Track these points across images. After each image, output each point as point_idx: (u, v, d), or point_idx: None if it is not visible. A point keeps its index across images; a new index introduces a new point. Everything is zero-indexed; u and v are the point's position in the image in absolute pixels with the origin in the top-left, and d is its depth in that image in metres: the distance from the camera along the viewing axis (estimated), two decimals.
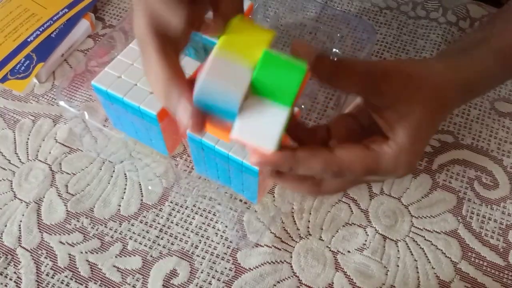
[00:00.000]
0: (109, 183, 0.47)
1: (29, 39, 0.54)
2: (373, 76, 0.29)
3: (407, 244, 0.44)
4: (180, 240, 0.44)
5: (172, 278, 0.42)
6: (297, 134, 0.32)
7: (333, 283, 0.42)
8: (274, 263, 0.43)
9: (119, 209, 0.46)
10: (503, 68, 0.36)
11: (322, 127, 0.33)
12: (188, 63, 0.42)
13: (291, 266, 0.43)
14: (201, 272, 0.43)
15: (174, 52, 0.28)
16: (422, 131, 0.30)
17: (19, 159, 0.49)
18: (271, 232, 0.44)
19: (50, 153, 0.49)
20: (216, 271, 0.43)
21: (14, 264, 0.43)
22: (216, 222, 0.45)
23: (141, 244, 0.44)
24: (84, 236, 0.44)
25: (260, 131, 0.27)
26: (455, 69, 0.32)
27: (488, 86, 0.38)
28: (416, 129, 0.29)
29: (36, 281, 0.42)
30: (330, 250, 0.44)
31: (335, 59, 0.28)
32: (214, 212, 0.46)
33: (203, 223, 0.45)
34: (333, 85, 0.29)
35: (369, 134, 0.31)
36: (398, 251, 0.44)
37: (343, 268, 0.43)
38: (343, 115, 0.34)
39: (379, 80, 0.29)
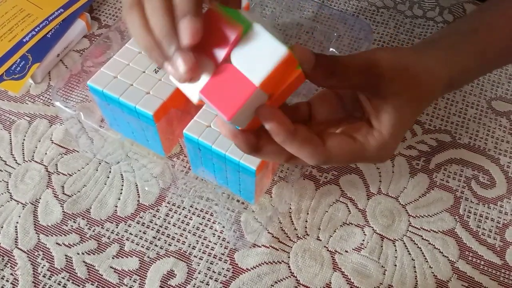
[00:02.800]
0: (105, 184, 0.47)
1: (24, 40, 0.54)
2: (369, 74, 0.29)
3: (404, 243, 0.44)
4: (177, 241, 0.44)
5: (169, 279, 0.42)
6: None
7: (330, 283, 0.42)
8: (271, 263, 0.43)
9: (115, 210, 0.46)
10: (483, 66, 0.38)
11: (304, 104, 0.33)
12: None
13: (289, 266, 0.43)
14: (199, 273, 0.43)
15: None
16: (405, 123, 0.31)
17: (15, 160, 0.48)
18: (268, 232, 0.44)
19: (46, 154, 0.49)
20: (213, 271, 0.43)
21: (10, 266, 0.43)
22: (213, 222, 0.45)
23: (138, 245, 0.44)
24: (80, 237, 0.44)
25: (253, 62, 0.26)
26: (443, 65, 0.33)
27: (467, 82, 0.41)
28: (401, 121, 0.31)
29: (33, 282, 0.42)
30: (327, 250, 0.44)
31: (331, 58, 0.28)
32: (211, 213, 0.45)
33: (200, 224, 0.45)
34: (329, 85, 0.30)
35: (350, 115, 0.32)
36: (396, 250, 0.44)
37: (340, 268, 0.43)
38: (328, 91, 0.34)
39: (374, 78, 0.29)
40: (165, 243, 0.44)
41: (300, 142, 0.28)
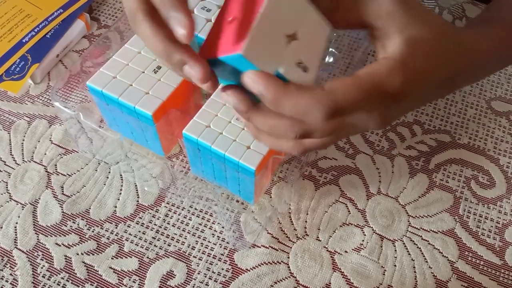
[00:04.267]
0: (104, 184, 0.47)
1: (24, 40, 0.54)
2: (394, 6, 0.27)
3: (404, 243, 0.44)
4: (176, 241, 0.44)
5: (169, 280, 0.42)
6: None
7: (330, 283, 0.42)
8: (271, 263, 0.43)
9: (115, 210, 0.46)
10: (498, 56, 0.35)
11: None
12: None
13: (288, 267, 0.43)
14: (198, 273, 0.43)
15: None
16: (420, 53, 0.28)
17: (14, 160, 0.48)
18: (268, 233, 0.44)
19: (45, 154, 0.49)
20: (213, 272, 0.43)
21: (10, 266, 0.43)
22: (212, 223, 0.45)
23: (137, 245, 0.44)
24: (80, 238, 0.44)
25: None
26: (479, 35, 0.32)
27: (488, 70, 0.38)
28: (415, 49, 0.27)
29: (32, 283, 0.42)
30: (327, 250, 0.44)
31: None
32: (211, 213, 0.45)
33: (200, 224, 0.45)
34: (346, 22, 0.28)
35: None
36: (395, 250, 0.44)
37: (340, 268, 0.43)
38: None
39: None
40: (165, 243, 0.44)
41: (294, 96, 0.25)
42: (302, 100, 0.25)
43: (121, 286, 0.42)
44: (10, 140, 0.50)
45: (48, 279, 0.42)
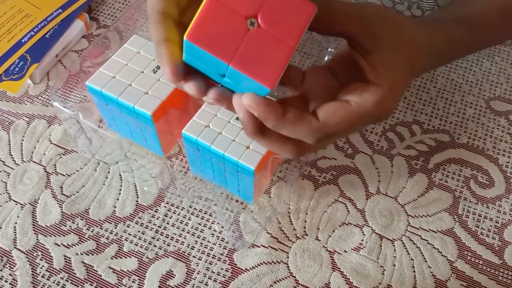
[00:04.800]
0: (104, 184, 0.47)
1: (23, 40, 0.54)
2: (368, 19, 0.29)
3: (403, 243, 0.44)
4: (176, 241, 0.44)
5: (168, 279, 0.42)
6: None
7: (329, 283, 0.42)
8: (270, 263, 0.43)
9: (114, 210, 0.46)
10: (471, 38, 0.38)
11: (297, 69, 0.32)
12: None
13: (288, 266, 0.43)
14: (198, 273, 0.43)
15: (172, 19, 0.29)
16: (403, 77, 0.30)
17: (13, 160, 0.48)
18: (267, 233, 0.44)
19: (44, 154, 0.49)
20: (212, 272, 0.43)
21: (9, 266, 0.43)
22: (212, 222, 0.45)
23: (136, 245, 0.44)
24: (79, 238, 0.44)
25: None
26: (434, 36, 0.33)
27: (457, 54, 0.40)
28: (399, 75, 0.30)
29: (32, 283, 0.42)
30: (326, 250, 0.44)
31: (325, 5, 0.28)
32: (210, 213, 0.45)
33: (199, 224, 0.45)
34: (326, 29, 0.29)
35: (344, 85, 0.31)
36: (395, 250, 0.44)
37: (339, 268, 0.43)
38: (318, 66, 0.33)
39: (373, 23, 0.29)
40: (164, 243, 0.44)
41: (292, 122, 0.28)
42: (298, 130, 0.28)
43: (121, 286, 0.42)
44: (9, 140, 0.50)
45: (48, 279, 0.42)
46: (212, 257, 0.43)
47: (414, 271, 0.43)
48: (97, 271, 0.43)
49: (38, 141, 0.50)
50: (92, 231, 0.44)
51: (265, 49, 0.25)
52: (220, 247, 0.44)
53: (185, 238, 0.44)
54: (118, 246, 0.44)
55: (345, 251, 0.44)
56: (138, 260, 0.43)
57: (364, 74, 0.30)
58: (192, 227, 0.45)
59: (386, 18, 0.30)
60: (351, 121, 0.29)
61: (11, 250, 0.44)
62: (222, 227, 0.45)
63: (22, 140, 0.50)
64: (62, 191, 0.47)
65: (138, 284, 0.42)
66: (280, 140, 0.30)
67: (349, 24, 0.29)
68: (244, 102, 0.27)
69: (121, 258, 0.43)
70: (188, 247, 0.44)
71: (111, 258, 0.43)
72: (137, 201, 0.46)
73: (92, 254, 0.43)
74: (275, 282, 0.42)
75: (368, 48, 0.30)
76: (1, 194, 0.46)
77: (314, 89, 0.32)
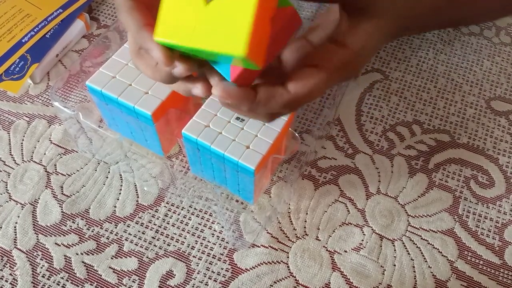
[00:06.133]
0: (104, 184, 0.47)
1: (23, 40, 0.54)
2: None
3: (403, 243, 0.44)
4: (176, 241, 0.44)
5: (168, 279, 0.42)
6: None
7: (330, 283, 0.42)
8: (270, 263, 0.43)
9: (114, 210, 0.46)
10: (453, 6, 0.37)
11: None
12: None
13: (288, 266, 0.43)
14: (198, 273, 0.43)
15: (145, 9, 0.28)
16: (374, 39, 0.31)
17: (14, 160, 0.48)
18: (267, 232, 0.44)
19: (45, 154, 0.49)
20: (212, 271, 0.43)
21: (9, 266, 0.43)
22: (212, 222, 0.45)
23: (137, 245, 0.44)
24: (79, 238, 0.44)
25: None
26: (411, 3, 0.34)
27: (439, 23, 0.40)
28: (374, 40, 0.31)
29: (32, 282, 0.42)
30: (326, 250, 0.44)
31: None
32: (210, 213, 0.45)
33: (199, 224, 0.45)
34: None
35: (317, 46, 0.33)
36: (395, 250, 0.44)
37: (339, 268, 0.43)
38: (292, 40, 0.34)
39: None
40: (164, 243, 0.44)
41: (264, 102, 0.29)
42: (272, 107, 0.29)
43: (121, 286, 0.42)
44: (9, 140, 0.50)
45: (48, 279, 0.42)
46: (212, 257, 0.43)
47: (414, 271, 0.43)
48: (97, 271, 0.43)
49: (38, 141, 0.50)
50: (92, 231, 0.45)
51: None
52: (220, 247, 0.44)
53: (185, 238, 0.44)
54: (118, 246, 0.44)
55: (345, 251, 0.44)
56: (138, 260, 0.43)
57: (339, 32, 0.31)
58: (192, 227, 0.45)
59: None
60: (320, 87, 0.30)
61: (11, 250, 0.44)
62: (222, 227, 0.45)
63: (23, 140, 0.50)
64: (62, 191, 0.47)
65: (138, 284, 0.42)
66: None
67: None
68: (216, 94, 0.28)
69: (121, 258, 0.43)
70: (188, 247, 0.44)
71: (111, 258, 0.43)
72: (137, 201, 0.46)
73: (92, 254, 0.43)
74: (275, 282, 0.42)
75: (362, 8, 0.30)
76: (1, 194, 0.46)
77: (289, 56, 0.33)
